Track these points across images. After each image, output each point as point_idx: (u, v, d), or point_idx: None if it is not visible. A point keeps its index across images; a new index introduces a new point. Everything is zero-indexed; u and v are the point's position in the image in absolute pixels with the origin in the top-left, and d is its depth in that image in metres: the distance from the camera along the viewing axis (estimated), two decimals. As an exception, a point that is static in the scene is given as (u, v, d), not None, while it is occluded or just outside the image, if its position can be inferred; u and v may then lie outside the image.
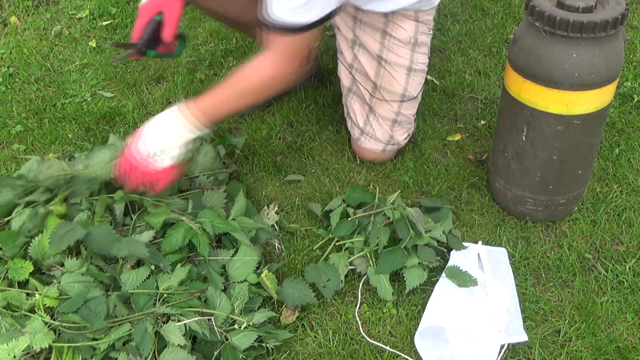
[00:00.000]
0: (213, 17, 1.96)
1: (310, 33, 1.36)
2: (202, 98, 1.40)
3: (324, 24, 1.38)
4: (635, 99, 2.02)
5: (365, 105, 1.73)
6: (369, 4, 1.60)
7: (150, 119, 1.41)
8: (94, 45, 2.36)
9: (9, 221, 1.43)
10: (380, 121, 1.72)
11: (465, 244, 1.53)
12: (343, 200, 1.61)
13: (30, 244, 1.34)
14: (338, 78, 1.82)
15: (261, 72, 1.40)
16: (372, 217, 1.53)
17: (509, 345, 1.35)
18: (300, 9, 1.31)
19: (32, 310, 1.25)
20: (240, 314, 1.35)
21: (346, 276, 1.50)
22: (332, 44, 2.24)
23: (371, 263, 1.48)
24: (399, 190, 1.68)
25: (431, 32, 1.70)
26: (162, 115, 1.39)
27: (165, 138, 1.37)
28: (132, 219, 1.45)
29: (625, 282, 1.49)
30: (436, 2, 1.66)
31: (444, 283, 1.43)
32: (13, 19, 2.51)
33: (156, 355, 1.25)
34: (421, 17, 1.66)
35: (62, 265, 1.33)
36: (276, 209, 1.66)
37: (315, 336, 1.40)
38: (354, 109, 1.75)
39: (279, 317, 1.42)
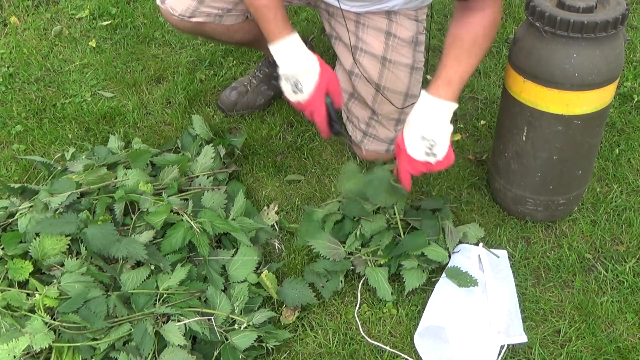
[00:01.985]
0: (217, 42, 1.98)
1: None
2: (445, 79, 1.37)
3: None
4: (635, 99, 2.02)
5: (367, 108, 1.73)
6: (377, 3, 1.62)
7: (414, 120, 1.37)
8: (94, 45, 2.36)
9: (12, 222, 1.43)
10: (383, 122, 1.73)
11: (465, 245, 1.53)
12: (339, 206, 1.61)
13: (31, 244, 1.35)
14: None
15: (481, 25, 1.37)
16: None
17: (508, 345, 1.35)
18: None
19: (32, 310, 1.25)
20: (240, 314, 1.35)
21: (346, 276, 1.50)
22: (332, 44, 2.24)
23: (370, 264, 1.48)
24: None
25: (425, 31, 1.73)
26: (428, 107, 1.36)
27: (443, 125, 1.36)
28: (132, 219, 1.45)
29: (625, 282, 1.49)
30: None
31: (444, 283, 1.43)
32: (13, 19, 2.51)
33: (156, 355, 1.25)
34: (420, 17, 1.69)
35: (62, 265, 1.33)
36: (276, 209, 1.66)
37: (315, 336, 1.40)
38: (356, 113, 1.76)
39: (279, 317, 1.42)
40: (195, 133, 1.76)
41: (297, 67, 1.42)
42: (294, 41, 1.43)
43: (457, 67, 1.37)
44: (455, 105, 1.37)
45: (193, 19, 1.68)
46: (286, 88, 1.46)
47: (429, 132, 1.35)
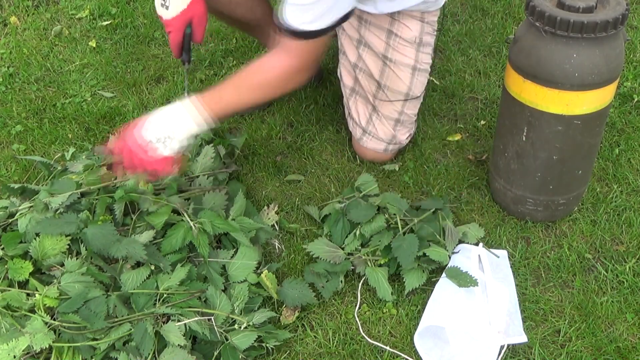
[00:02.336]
0: (217, 17, 1.97)
1: (322, 39, 1.37)
2: (212, 92, 1.39)
3: (337, 27, 1.39)
4: (635, 99, 2.02)
5: (368, 104, 1.73)
6: (376, 7, 1.60)
7: (158, 109, 1.39)
8: (94, 45, 2.36)
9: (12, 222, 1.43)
10: (383, 120, 1.73)
11: (465, 245, 1.53)
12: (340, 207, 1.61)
13: (31, 244, 1.34)
14: (339, 78, 1.81)
15: (275, 68, 1.40)
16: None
17: (508, 345, 1.35)
18: (314, 18, 1.32)
19: (32, 310, 1.25)
20: (240, 314, 1.35)
21: (346, 276, 1.50)
22: (332, 44, 2.24)
23: (370, 264, 1.48)
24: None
25: (435, 32, 1.70)
26: (171, 106, 1.38)
27: (170, 127, 1.36)
28: (132, 219, 1.44)
29: (625, 282, 1.49)
30: (442, 3, 1.66)
31: (444, 283, 1.43)
32: (13, 19, 2.51)
33: (156, 355, 1.25)
34: (426, 18, 1.66)
35: (62, 265, 1.33)
36: (276, 209, 1.66)
37: (315, 336, 1.40)
38: (357, 109, 1.75)
39: (279, 317, 1.42)
40: None
41: None
42: None
43: (233, 91, 1.40)
44: (198, 128, 1.38)
45: None
46: (156, 1, 1.52)
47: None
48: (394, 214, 1.53)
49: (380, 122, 1.73)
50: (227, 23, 2.16)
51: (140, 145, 1.35)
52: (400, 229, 1.50)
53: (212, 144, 1.69)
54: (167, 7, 1.50)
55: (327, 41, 1.41)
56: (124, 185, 1.46)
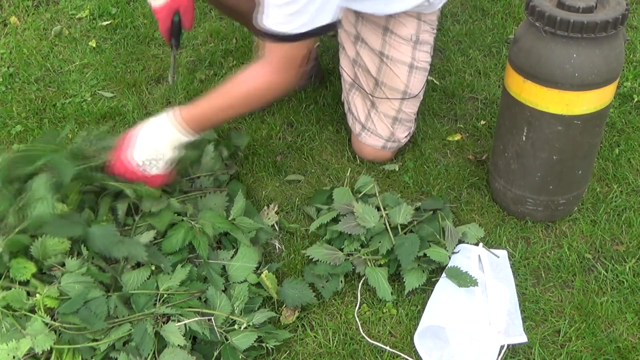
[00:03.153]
0: (211, 3, 1.99)
1: (303, 43, 1.37)
2: (195, 105, 1.42)
3: (320, 35, 1.39)
4: (635, 99, 2.02)
5: (367, 100, 1.73)
6: (367, 9, 1.60)
7: (144, 121, 1.43)
8: (94, 45, 2.36)
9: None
10: (382, 117, 1.73)
11: (465, 245, 1.53)
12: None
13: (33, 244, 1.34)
14: (340, 73, 1.81)
15: (254, 81, 1.41)
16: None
17: (508, 345, 1.35)
18: (290, 19, 1.32)
19: (32, 311, 1.25)
20: (240, 314, 1.35)
21: (346, 276, 1.50)
22: (331, 44, 2.24)
23: (369, 264, 1.48)
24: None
25: (435, 31, 1.70)
26: (156, 120, 1.42)
27: (157, 145, 1.40)
28: (134, 219, 1.44)
29: (625, 282, 1.49)
30: (438, 5, 1.66)
31: (444, 283, 1.43)
32: (13, 19, 2.51)
33: (156, 356, 1.25)
34: (423, 17, 1.67)
35: (63, 265, 1.33)
36: (276, 209, 1.66)
37: (315, 336, 1.40)
38: (356, 104, 1.75)
39: (279, 317, 1.42)
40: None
41: None
42: None
43: (215, 104, 1.43)
44: (185, 139, 1.42)
45: None
46: None
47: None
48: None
49: (379, 119, 1.73)
50: (222, 11, 2.17)
51: (132, 170, 1.40)
52: (399, 229, 1.50)
53: (214, 145, 1.69)
54: None
55: (308, 48, 1.41)
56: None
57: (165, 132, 1.40)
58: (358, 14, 1.66)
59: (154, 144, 1.40)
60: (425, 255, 1.45)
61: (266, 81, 1.41)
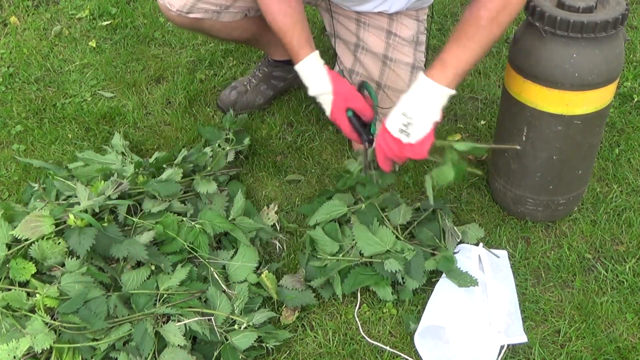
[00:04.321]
0: (215, 39, 2.00)
1: None
2: (440, 60, 1.30)
3: None
4: (635, 99, 2.02)
5: None
6: (376, 7, 1.62)
7: (406, 97, 1.33)
8: (94, 45, 2.36)
9: None
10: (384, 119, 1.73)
11: (465, 245, 1.53)
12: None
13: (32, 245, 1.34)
14: None
15: (490, 2, 1.27)
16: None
17: (508, 345, 1.35)
18: None
19: (32, 311, 1.25)
20: (241, 314, 1.35)
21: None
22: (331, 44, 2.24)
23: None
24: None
25: (425, 31, 1.73)
26: (418, 87, 1.31)
27: (427, 107, 1.30)
28: (133, 219, 1.44)
29: (625, 282, 1.49)
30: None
31: (444, 283, 1.43)
32: (13, 19, 2.51)
33: (156, 355, 1.25)
34: (420, 17, 1.69)
35: (63, 265, 1.33)
36: (276, 209, 1.66)
37: (315, 336, 1.40)
38: None
39: (279, 317, 1.42)
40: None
41: (315, 89, 1.45)
42: (310, 63, 1.45)
43: (456, 50, 1.30)
44: (449, 91, 1.30)
45: (190, 15, 1.68)
46: (320, 106, 1.49)
47: (410, 109, 1.31)
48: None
49: (380, 121, 1.73)
50: (228, 42, 2.23)
51: (390, 140, 1.33)
52: (402, 249, 1.46)
53: (214, 147, 1.70)
54: (324, 109, 1.46)
55: None
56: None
57: (428, 94, 1.30)
58: (359, 21, 1.67)
59: (420, 108, 1.30)
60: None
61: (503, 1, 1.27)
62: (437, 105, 1.31)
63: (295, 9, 1.46)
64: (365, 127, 1.46)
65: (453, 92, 1.30)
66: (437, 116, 1.31)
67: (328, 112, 1.46)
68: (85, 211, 1.34)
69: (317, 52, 1.46)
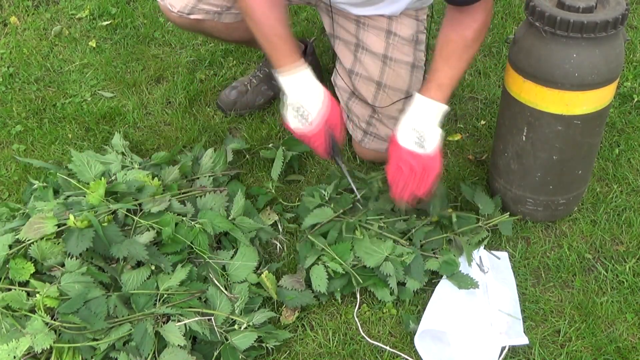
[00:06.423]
0: (216, 40, 2.02)
1: None
2: (436, 82, 1.41)
3: None
4: (635, 99, 2.02)
5: (367, 107, 1.73)
6: (377, 10, 1.62)
7: (406, 116, 1.42)
8: (94, 45, 2.36)
9: None
10: (384, 120, 1.73)
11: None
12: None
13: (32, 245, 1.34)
14: (333, 85, 1.79)
15: (475, 22, 1.40)
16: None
17: (509, 346, 1.35)
18: None
19: (32, 311, 1.25)
20: (240, 314, 1.35)
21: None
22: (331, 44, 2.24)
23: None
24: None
25: (425, 30, 1.73)
26: (420, 106, 1.42)
27: (433, 123, 1.41)
28: (133, 220, 1.44)
29: (625, 282, 1.49)
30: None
31: (444, 285, 1.43)
32: (13, 19, 2.51)
33: (156, 355, 1.25)
34: (420, 16, 1.69)
35: (63, 265, 1.33)
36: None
37: (315, 336, 1.40)
38: (356, 112, 1.76)
39: (279, 317, 1.42)
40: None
41: (306, 102, 1.42)
42: (307, 75, 1.43)
43: (448, 70, 1.42)
44: (445, 107, 1.42)
45: (191, 16, 1.68)
46: (290, 116, 1.45)
47: (418, 124, 1.41)
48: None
49: (381, 122, 1.73)
50: (228, 42, 2.22)
51: (406, 155, 1.41)
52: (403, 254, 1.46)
53: (215, 147, 1.70)
54: (307, 120, 1.43)
55: None
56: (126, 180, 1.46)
57: (431, 111, 1.41)
58: (359, 22, 1.67)
59: (428, 124, 1.41)
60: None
61: (483, 21, 1.40)
62: (438, 120, 1.42)
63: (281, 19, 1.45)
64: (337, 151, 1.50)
65: (448, 107, 1.43)
66: (439, 130, 1.42)
67: (308, 127, 1.43)
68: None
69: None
